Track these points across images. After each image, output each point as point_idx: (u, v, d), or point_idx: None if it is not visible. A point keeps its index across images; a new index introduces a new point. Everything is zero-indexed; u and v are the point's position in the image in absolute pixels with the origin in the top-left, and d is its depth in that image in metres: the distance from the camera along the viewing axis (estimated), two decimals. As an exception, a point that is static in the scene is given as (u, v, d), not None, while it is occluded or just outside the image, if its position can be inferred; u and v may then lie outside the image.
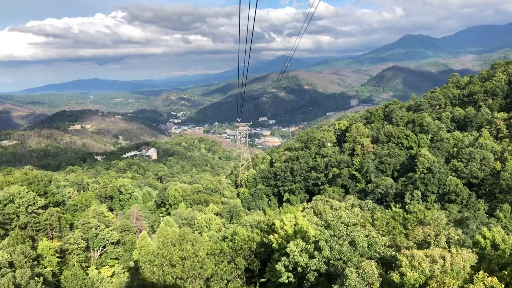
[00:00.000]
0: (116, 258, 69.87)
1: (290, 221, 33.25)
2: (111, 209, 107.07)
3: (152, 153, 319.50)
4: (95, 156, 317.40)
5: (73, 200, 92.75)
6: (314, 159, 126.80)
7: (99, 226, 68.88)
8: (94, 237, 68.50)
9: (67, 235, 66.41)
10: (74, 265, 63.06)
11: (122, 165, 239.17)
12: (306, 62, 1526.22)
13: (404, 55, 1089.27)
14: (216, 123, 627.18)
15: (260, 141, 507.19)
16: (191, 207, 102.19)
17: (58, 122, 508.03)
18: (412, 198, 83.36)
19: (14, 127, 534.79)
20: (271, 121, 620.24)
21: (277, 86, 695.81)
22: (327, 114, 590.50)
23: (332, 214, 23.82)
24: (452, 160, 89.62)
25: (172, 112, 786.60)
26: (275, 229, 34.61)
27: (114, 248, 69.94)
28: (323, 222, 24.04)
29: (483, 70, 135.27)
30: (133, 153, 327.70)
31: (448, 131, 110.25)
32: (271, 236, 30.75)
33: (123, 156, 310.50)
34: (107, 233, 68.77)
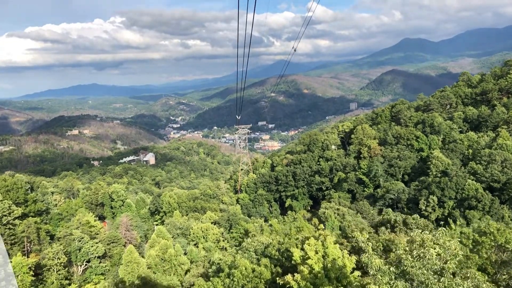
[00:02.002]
0: (102, 274, 62.68)
1: (316, 252, 22.98)
2: (102, 218, 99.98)
3: (150, 158, 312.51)
4: (92, 162, 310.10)
5: (58, 209, 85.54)
6: (318, 163, 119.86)
7: (82, 238, 61.78)
8: (77, 251, 61.38)
9: (47, 249, 59.35)
10: (53, 283, 56.02)
11: (118, 170, 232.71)
12: (305, 66, 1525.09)
13: (403, 59, 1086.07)
14: (215, 127, 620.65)
15: (259, 145, 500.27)
16: (186, 215, 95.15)
17: (56, 127, 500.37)
18: (428, 204, 76.76)
19: (12, 132, 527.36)
20: (270, 125, 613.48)
21: (276, 90, 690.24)
22: (327, 118, 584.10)
23: (411, 254, 13.93)
24: (470, 162, 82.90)
25: (171, 117, 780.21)
26: (294, 260, 24.56)
27: (99, 263, 62.77)
28: (393, 268, 14.13)
29: (496, 68, 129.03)
30: (131, 158, 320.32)
31: (461, 132, 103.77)
32: (289, 277, 20.22)
33: (120, 161, 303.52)
34: (92, 246, 61.65)
